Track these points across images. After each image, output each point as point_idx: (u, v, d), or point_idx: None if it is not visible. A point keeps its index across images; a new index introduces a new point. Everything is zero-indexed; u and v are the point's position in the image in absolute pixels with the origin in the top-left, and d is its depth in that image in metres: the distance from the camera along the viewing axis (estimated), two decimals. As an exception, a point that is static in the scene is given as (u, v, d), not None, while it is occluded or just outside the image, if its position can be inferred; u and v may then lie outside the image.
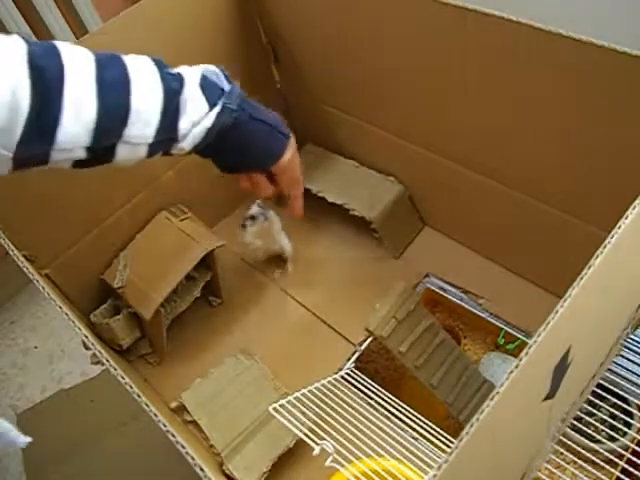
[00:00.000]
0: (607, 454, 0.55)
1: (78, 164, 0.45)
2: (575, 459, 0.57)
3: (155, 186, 0.76)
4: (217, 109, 0.48)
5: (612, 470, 0.56)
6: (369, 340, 0.66)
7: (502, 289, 0.73)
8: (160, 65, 0.47)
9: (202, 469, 0.39)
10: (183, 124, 0.47)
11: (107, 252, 0.74)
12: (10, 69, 0.38)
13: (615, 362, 0.62)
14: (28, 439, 0.46)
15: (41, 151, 0.41)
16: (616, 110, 0.50)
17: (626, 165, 0.52)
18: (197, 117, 0.48)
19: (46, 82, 0.39)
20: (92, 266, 0.73)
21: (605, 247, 0.31)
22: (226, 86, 0.50)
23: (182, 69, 0.49)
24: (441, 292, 0.75)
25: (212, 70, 0.50)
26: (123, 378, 0.45)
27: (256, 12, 0.77)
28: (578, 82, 0.50)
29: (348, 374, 0.64)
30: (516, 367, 0.28)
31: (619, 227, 0.32)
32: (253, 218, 0.74)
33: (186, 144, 0.48)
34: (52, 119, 0.40)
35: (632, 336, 0.63)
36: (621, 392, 0.60)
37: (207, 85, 0.48)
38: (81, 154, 0.43)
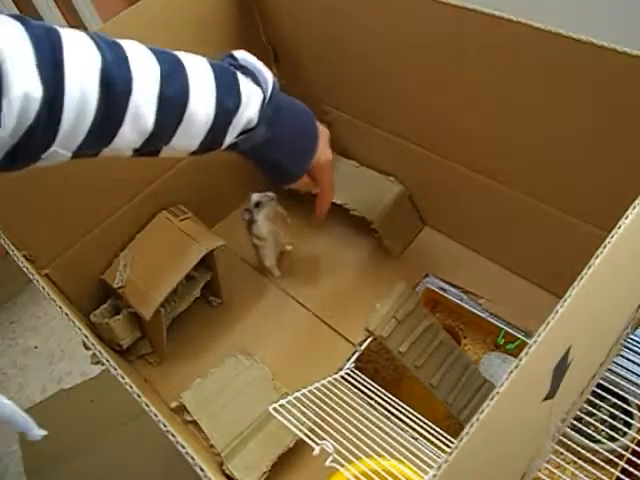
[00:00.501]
0: (607, 454, 0.55)
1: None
2: (575, 459, 0.57)
3: (155, 186, 0.76)
4: (261, 126, 0.51)
5: (612, 470, 0.56)
6: (369, 340, 0.66)
7: (502, 289, 0.73)
8: (219, 80, 0.48)
9: (202, 469, 0.39)
10: (228, 139, 0.50)
11: (107, 252, 0.74)
12: (83, 76, 0.39)
13: (615, 362, 0.62)
14: (43, 432, 0.46)
15: (95, 151, 0.43)
16: (616, 110, 0.50)
17: (626, 165, 0.52)
18: (241, 131, 0.51)
19: (114, 96, 0.40)
20: (92, 266, 0.73)
21: (605, 247, 0.31)
22: (267, 94, 0.52)
23: (247, 87, 0.50)
24: (441, 292, 0.75)
25: (263, 88, 0.52)
26: (123, 378, 0.45)
27: (256, 12, 0.77)
28: (578, 82, 0.50)
29: (348, 374, 0.64)
30: (516, 367, 0.28)
31: (619, 227, 0.32)
32: (258, 205, 0.73)
33: (225, 147, 0.52)
34: (113, 129, 0.42)
35: (632, 336, 0.63)
36: (621, 392, 0.60)
37: (263, 112, 0.51)
38: (128, 154, 0.46)
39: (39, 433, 0.46)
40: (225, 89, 0.48)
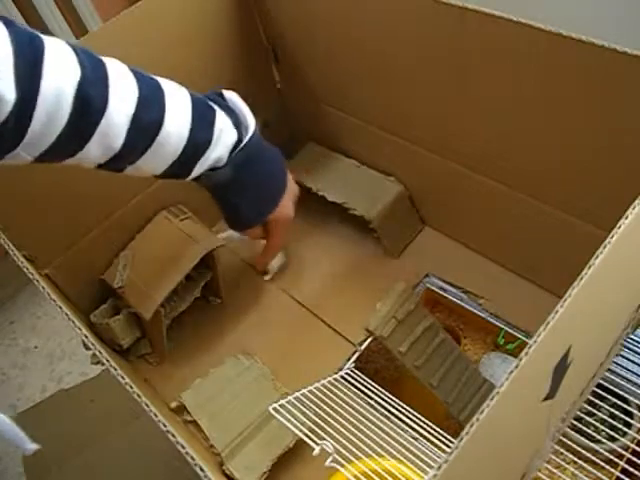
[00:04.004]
0: (607, 454, 0.55)
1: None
2: (575, 459, 0.57)
3: (155, 186, 0.76)
4: (227, 168, 0.52)
5: (612, 470, 0.56)
6: (369, 340, 0.66)
7: (502, 289, 0.73)
8: (196, 113, 0.48)
9: (202, 469, 0.39)
10: (195, 172, 0.51)
11: (107, 252, 0.74)
12: (59, 88, 0.38)
13: (615, 362, 0.62)
14: (35, 446, 0.47)
15: (57, 160, 0.43)
16: (616, 110, 0.50)
17: (626, 165, 0.52)
18: (210, 167, 0.52)
19: (87, 112, 0.40)
20: (92, 266, 0.73)
21: (605, 247, 0.31)
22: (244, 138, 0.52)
23: (223, 126, 0.50)
24: (441, 292, 0.75)
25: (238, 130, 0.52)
26: (123, 378, 0.45)
27: (256, 12, 0.77)
28: (578, 82, 0.50)
29: (348, 374, 0.64)
30: (516, 367, 0.28)
31: (619, 227, 0.32)
32: None
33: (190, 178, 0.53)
34: (80, 143, 0.42)
35: (632, 336, 0.63)
36: (621, 392, 0.60)
37: (234, 155, 0.51)
38: (91, 167, 0.46)
39: (31, 447, 0.46)
40: (200, 123, 0.48)
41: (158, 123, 0.45)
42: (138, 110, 0.43)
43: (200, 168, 0.50)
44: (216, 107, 0.51)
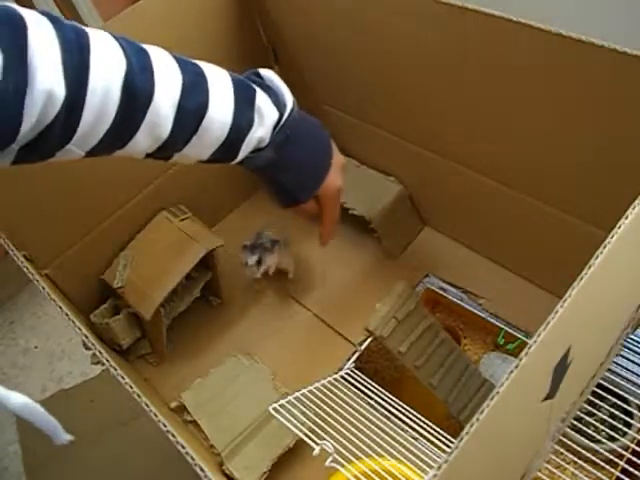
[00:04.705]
0: (607, 454, 0.55)
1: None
2: (575, 459, 0.57)
3: (155, 186, 0.76)
4: (269, 148, 0.51)
5: (612, 470, 0.56)
6: (369, 340, 0.66)
7: (502, 289, 0.73)
8: (238, 96, 0.48)
9: (202, 469, 0.39)
10: (241, 155, 0.50)
11: (107, 252, 0.74)
12: (107, 81, 0.39)
13: (615, 362, 0.62)
14: (69, 437, 0.46)
15: (108, 152, 0.44)
16: (616, 110, 0.50)
17: (626, 165, 0.52)
18: (253, 149, 0.51)
19: (134, 102, 0.41)
20: (92, 266, 0.73)
21: (605, 247, 0.31)
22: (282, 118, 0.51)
23: (264, 106, 0.49)
24: (441, 292, 0.75)
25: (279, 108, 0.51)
26: (123, 378, 0.45)
27: (256, 12, 0.77)
28: (578, 82, 0.50)
29: (348, 374, 0.64)
30: (516, 367, 0.28)
31: (619, 227, 0.32)
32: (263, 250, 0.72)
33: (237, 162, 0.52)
34: (129, 134, 0.42)
35: (632, 336, 0.63)
36: (621, 392, 0.60)
37: (275, 135, 0.51)
38: (141, 157, 0.46)
39: (66, 438, 0.46)
40: (242, 105, 0.48)
41: (203, 109, 0.45)
42: (183, 97, 0.43)
43: (245, 150, 0.50)
44: (255, 87, 0.50)
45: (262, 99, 0.49)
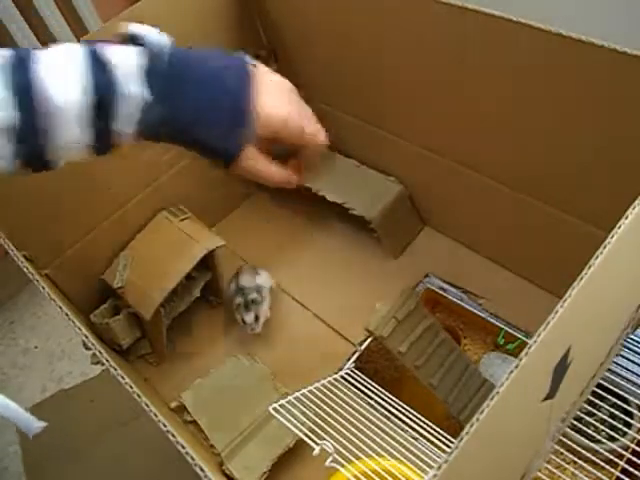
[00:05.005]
0: (607, 454, 0.55)
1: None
2: (575, 459, 0.57)
3: (155, 186, 0.76)
4: (154, 103, 0.40)
5: (612, 470, 0.56)
6: (369, 340, 0.66)
7: (502, 289, 0.73)
8: (86, 66, 0.39)
9: (202, 469, 0.39)
10: (123, 123, 0.40)
11: (107, 252, 0.74)
12: None
13: (615, 362, 0.62)
14: (42, 424, 0.45)
15: None
16: (616, 110, 0.50)
17: (626, 165, 0.52)
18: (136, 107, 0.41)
19: None
20: (92, 266, 0.73)
21: (605, 247, 0.31)
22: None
23: (123, 59, 0.40)
24: (441, 292, 0.75)
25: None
26: (123, 378, 0.45)
27: (256, 12, 0.77)
28: (578, 82, 0.50)
29: (348, 374, 0.64)
30: (516, 367, 0.28)
31: (619, 227, 0.32)
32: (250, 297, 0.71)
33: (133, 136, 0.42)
34: None
35: (632, 336, 0.63)
36: (621, 392, 0.60)
37: (151, 84, 0.40)
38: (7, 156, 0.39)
39: (39, 425, 0.45)
40: (93, 71, 0.38)
41: (31, 87, 0.37)
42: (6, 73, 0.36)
43: (127, 118, 0.40)
44: (105, 46, 0.40)
45: (116, 54, 0.40)
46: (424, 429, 0.56)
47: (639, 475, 0.54)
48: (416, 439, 0.56)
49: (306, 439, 0.52)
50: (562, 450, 0.56)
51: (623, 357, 0.62)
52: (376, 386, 0.62)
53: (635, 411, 0.61)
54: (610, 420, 0.59)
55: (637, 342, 0.63)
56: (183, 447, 0.40)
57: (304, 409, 0.57)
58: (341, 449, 0.50)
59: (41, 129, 0.38)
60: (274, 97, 0.45)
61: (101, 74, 0.39)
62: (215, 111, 0.43)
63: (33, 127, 0.38)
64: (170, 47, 0.42)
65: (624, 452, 0.55)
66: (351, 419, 0.55)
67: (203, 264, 0.72)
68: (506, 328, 0.70)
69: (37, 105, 0.37)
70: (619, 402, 0.59)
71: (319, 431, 0.53)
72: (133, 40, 0.42)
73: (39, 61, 0.38)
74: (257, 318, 0.71)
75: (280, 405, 0.57)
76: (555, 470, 0.56)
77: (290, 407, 0.57)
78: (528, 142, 0.59)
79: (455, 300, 0.75)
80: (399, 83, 0.68)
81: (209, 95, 0.42)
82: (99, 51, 0.40)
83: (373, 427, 0.54)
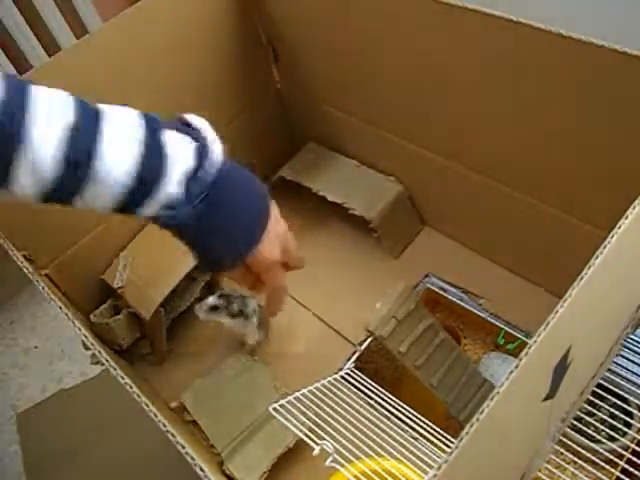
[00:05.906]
0: (607, 454, 0.55)
1: None
2: (575, 459, 0.57)
3: (155, 186, 0.76)
4: (186, 205, 0.43)
5: (612, 470, 0.56)
6: (369, 340, 0.66)
7: (502, 289, 0.73)
8: (146, 144, 0.41)
9: (202, 469, 0.39)
10: (150, 207, 0.43)
11: (107, 252, 0.74)
12: None
13: (615, 362, 0.62)
14: None
15: None
16: (616, 110, 0.50)
17: (626, 165, 0.52)
18: (167, 200, 0.43)
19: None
20: (92, 266, 0.73)
21: (605, 247, 0.31)
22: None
23: (175, 150, 0.42)
24: (441, 292, 0.75)
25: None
26: (123, 378, 0.45)
27: (256, 12, 0.77)
28: (578, 82, 0.50)
29: (348, 374, 0.64)
30: (516, 367, 0.28)
31: (619, 227, 0.32)
32: (215, 308, 0.67)
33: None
34: (5, 168, 0.39)
35: (632, 336, 0.63)
36: (621, 392, 0.60)
37: (192, 185, 0.42)
38: (35, 201, 0.43)
39: None
40: (149, 153, 0.41)
41: (92, 152, 0.39)
42: (68, 137, 0.38)
43: (155, 203, 0.42)
44: (171, 132, 0.43)
45: (175, 144, 0.42)
46: (424, 429, 0.56)
47: (639, 475, 0.54)
48: (416, 439, 0.56)
49: (306, 439, 0.52)
50: (562, 450, 0.56)
51: (623, 357, 0.63)
52: (376, 386, 0.62)
53: (635, 411, 0.61)
54: (610, 420, 0.59)
55: (637, 342, 0.63)
56: (183, 447, 0.40)
57: (304, 409, 0.57)
58: (341, 449, 0.50)
59: (78, 190, 0.41)
60: (275, 242, 0.49)
61: (155, 159, 0.41)
62: (229, 237, 0.46)
63: (72, 186, 0.40)
64: (217, 156, 0.43)
65: (624, 452, 0.55)
66: (351, 419, 0.55)
67: (203, 264, 0.72)
68: (506, 328, 0.70)
69: (87, 172, 0.40)
70: (619, 402, 0.59)
71: (319, 431, 0.53)
72: (183, 128, 0.44)
73: (103, 132, 0.39)
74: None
75: (280, 405, 0.57)
76: (555, 470, 0.56)
77: (290, 407, 0.57)
78: (528, 142, 0.59)
79: (455, 300, 0.75)
80: (399, 83, 0.68)
81: (232, 221, 0.46)
82: (159, 134, 0.42)
83: (373, 427, 0.54)
